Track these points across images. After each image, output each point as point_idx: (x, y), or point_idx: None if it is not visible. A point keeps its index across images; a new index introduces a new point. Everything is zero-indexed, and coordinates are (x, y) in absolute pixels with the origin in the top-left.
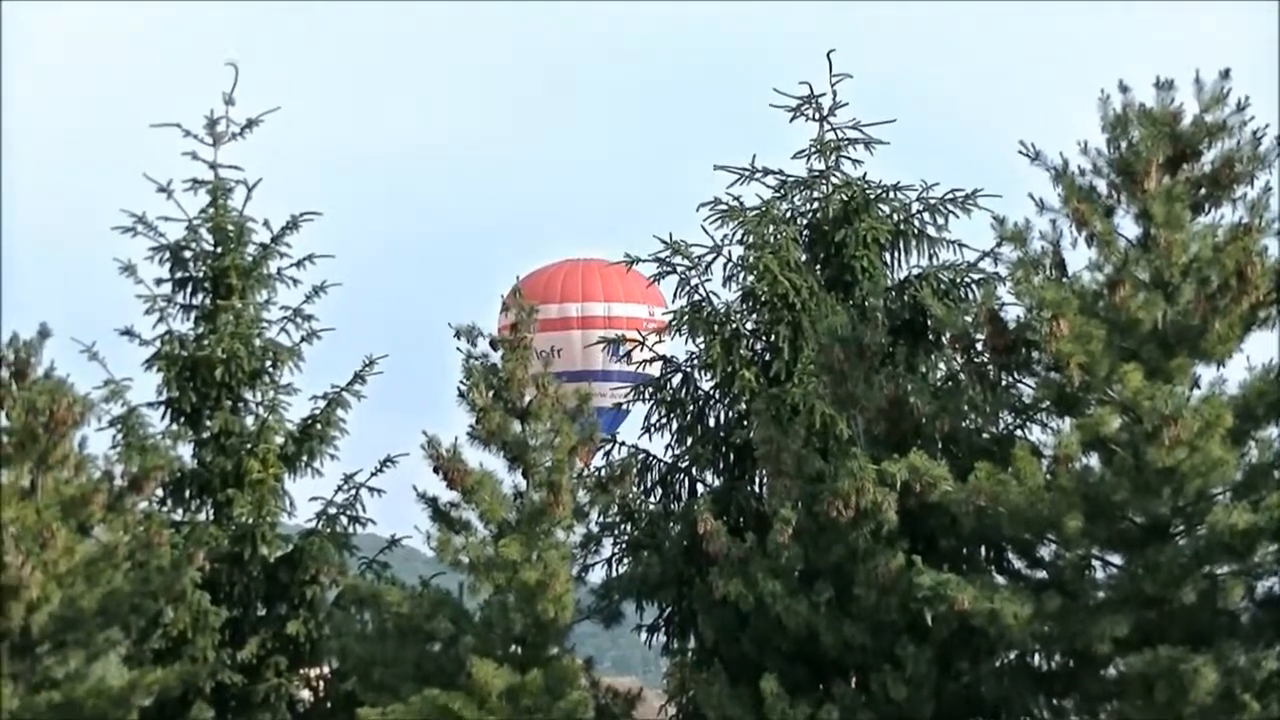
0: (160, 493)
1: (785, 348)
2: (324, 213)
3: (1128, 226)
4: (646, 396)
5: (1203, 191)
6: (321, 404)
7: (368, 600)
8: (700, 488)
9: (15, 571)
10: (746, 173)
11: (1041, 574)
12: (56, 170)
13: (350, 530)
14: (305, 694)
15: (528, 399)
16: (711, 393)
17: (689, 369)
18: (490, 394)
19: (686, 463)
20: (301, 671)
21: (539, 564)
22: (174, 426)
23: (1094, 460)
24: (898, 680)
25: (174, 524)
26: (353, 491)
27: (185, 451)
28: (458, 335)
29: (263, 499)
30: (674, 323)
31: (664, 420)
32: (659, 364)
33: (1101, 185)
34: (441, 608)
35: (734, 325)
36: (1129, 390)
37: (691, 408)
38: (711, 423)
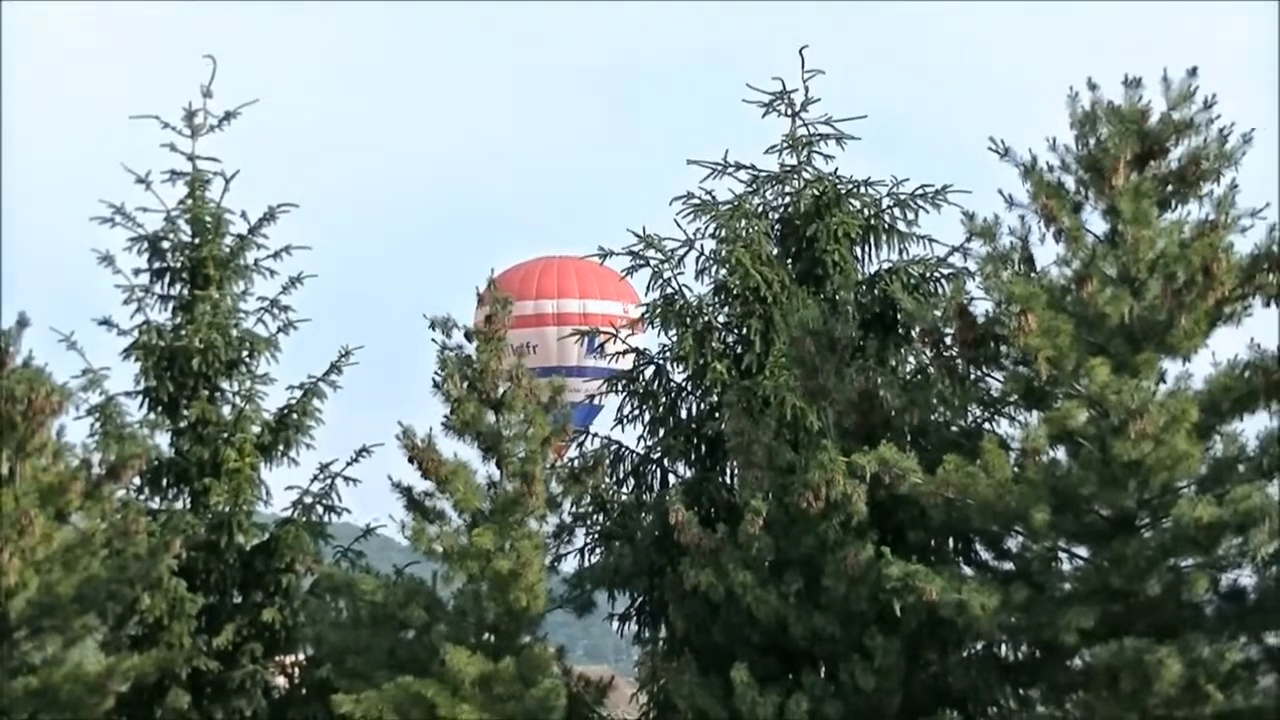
0: (138, 481)
1: (757, 341)
2: (300, 204)
3: (1095, 222)
4: (620, 389)
5: (1170, 188)
6: (298, 394)
7: (342, 588)
8: (672, 479)
9: None
10: (719, 167)
11: (1009, 565)
12: (35, 161)
13: (325, 519)
14: (280, 681)
15: (502, 390)
16: (684, 385)
17: (661, 361)
18: (465, 385)
19: (659, 454)
20: (277, 658)
21: (512, 553)
22: (151, 415)
23: (1061, 453)
24: (866, 670)
25: (151, 512)
26: (328, 481)
27: (163, 440)
28: (433, 327)
29: (239, 488)
30: (647, 316)
31: (637, 412)
32: (632, 356)
33: (1070, 181)
34: (415, 596)
35: (706, 318)
36: (1096, 384)
37: (664, 400)
38: (684, 415)
